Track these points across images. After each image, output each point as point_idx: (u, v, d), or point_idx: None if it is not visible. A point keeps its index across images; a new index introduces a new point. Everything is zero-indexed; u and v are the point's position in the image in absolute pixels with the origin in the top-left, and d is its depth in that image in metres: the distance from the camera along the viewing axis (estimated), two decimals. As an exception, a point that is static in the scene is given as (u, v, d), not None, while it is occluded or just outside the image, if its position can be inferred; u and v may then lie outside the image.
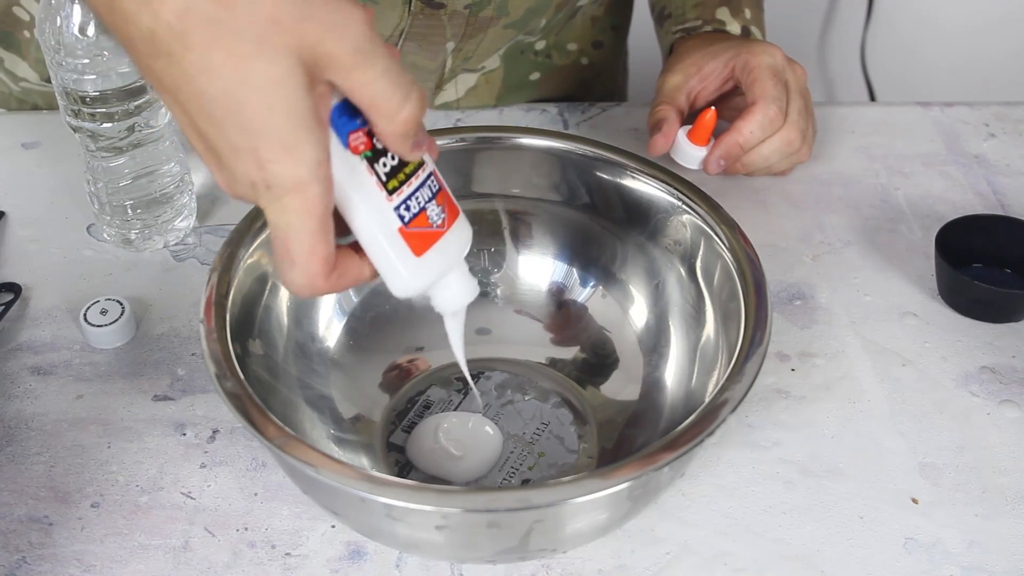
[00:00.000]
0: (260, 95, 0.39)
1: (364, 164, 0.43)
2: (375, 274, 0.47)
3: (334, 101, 0.42)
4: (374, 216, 0.44)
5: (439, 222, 0.47)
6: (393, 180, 0.44)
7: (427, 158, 0.47)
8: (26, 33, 0.83)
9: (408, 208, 0.45)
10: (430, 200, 0.46)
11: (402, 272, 0.46)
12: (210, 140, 0.41)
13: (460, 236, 0.48)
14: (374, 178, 0.44)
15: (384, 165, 0.44)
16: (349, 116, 0.42)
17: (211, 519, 0.56)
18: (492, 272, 0.67)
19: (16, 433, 0.60)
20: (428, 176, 0.46)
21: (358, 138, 0.43)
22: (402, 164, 0.45)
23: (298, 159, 0.40)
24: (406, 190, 0.45)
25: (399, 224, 0.45)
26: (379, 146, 0.44)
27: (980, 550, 0.56)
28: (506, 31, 0.81)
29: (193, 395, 0.63)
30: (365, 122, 0.43)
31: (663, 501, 0.57)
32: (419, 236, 0.46)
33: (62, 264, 0.72)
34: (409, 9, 0.75)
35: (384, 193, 0.44)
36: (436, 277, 0.48)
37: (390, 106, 0.41)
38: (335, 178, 0.43)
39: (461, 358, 0.55)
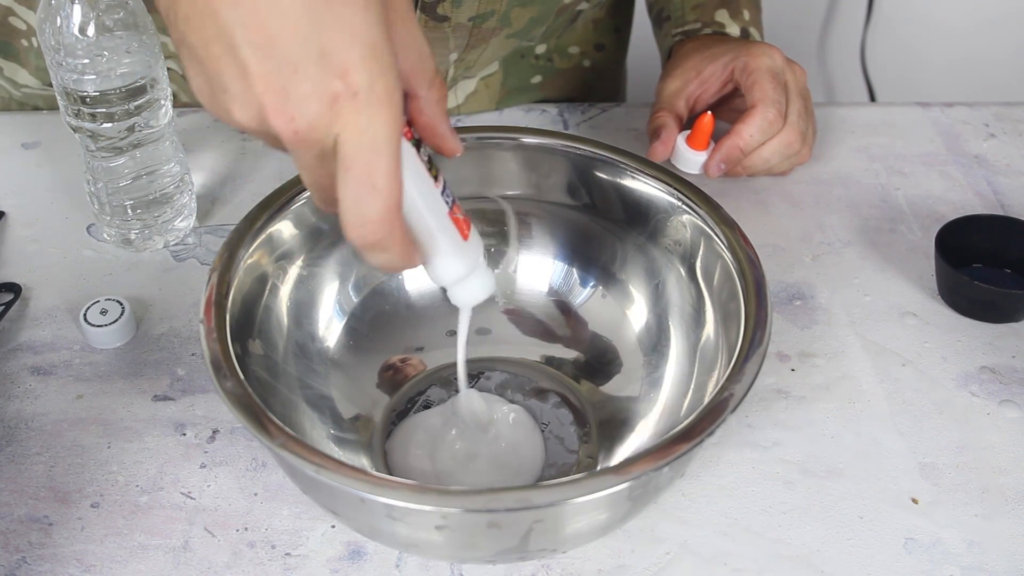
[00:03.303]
0: None
1: (413, 149, 0.44)
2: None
3: None
4: (427, 199, 0.45)
5: (464, 216, 0.48)
6: (433, 168, 0.46)
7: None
8: (24, 42, 0.83)
9: (448, 195, 0.46)
10: (454, 202, 0.48)
11: (452, 256, 0.47)
12: (275, 49, 0.38)
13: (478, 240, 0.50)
14: (423, 163, 0.45)
15: (425, 152, 0.45)
16: None
17: (211, 519, 0.56)
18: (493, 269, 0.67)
19: (16, 433, 0.60)
20: (444, 189, 0.48)
21: (404, 125, 0.44)
22: (432, 158, 0.46)
23: (385, 65, 0.39)
24: (442, 178, 0.46)
25: (447, 208, 0.46)
26: (418, 136, 0.45)
27: (980, 550, 0.56)
28: (508, 40, 0.81)
29: (193, 395, 0.63)
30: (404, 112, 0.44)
31: (663, 501, 0.58)
32: (461, 222, 0.47)
33: (62, 264, 0.72)
34: None
35: (431, 178, 0.45)
36: (475, 264, 0.49)
37: (429, 66, 0.42)
38: None
39: (462, 352, 0.56)
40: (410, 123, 0.45)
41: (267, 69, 0.39)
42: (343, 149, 0.40)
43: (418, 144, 0.45)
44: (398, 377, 0.64)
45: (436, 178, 0.46)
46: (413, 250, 0.44)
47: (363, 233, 0.41)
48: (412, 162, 0.44)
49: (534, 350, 0.65)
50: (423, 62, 0.43)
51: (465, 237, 0.47)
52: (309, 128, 0.39)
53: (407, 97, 0.44)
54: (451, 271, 0.48)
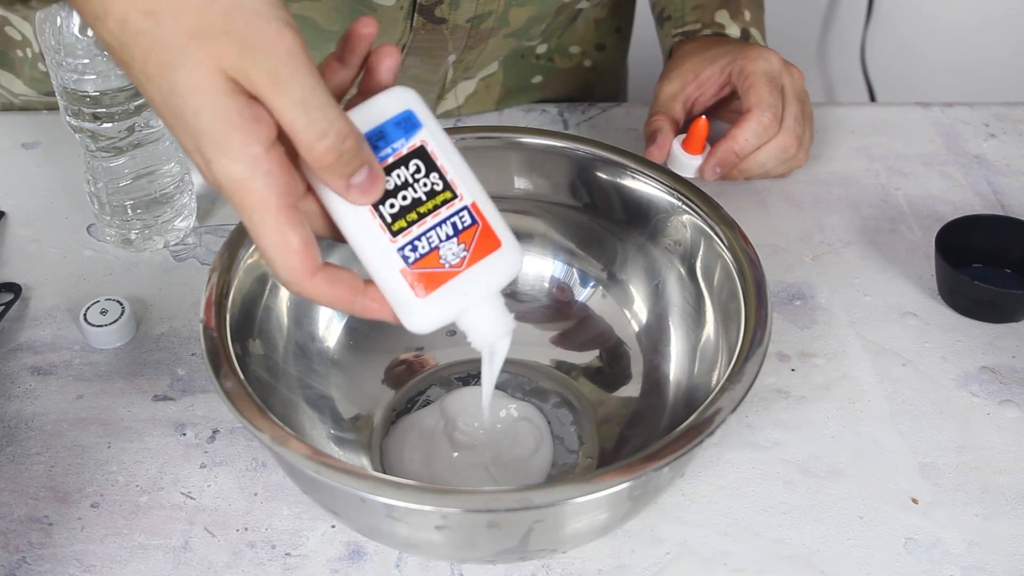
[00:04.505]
0: (187, 102, 0.40)
1: (365, 208, 0.44)
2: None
3: None
4: (375, 255, 0.45)
5: (455, 261, 0.46)
6: (401, 220, 0.44)
7: (466, 190, 0.46)
8: (19, 52, 0.82)
9: (415, 248, 0.45)
10: (449, 238, 0.45)
11: (406, 311, 0.46)
12: (176, 129, 0.42)
13: (490, 271, 0.47)
14: (377, 220, 0.44)
15: (392, 206, 0.44)
16: None
17: (211, 519, 0.56)
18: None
19: (16, 433, 0.60)
20: (457, 212, 0.46)
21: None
22: (416, 203, 0.45)
23: (232, 157, 0.40)
24: (416, 230, 0.45)
25: (401, 265, 0.45)
26: (389, 187, 0.44)
27: (980, 550, 0.56)
28: (507, 40, 0.80)
29: (193, 395, 0.63)
30: None
31: (663, 501, 0.58)
32: (425, 276, 0.45)
33: (62, 264, 0.72)
34: (411, 25, 0.75)
35: (387, 235, 0.44)
36: (448, 316, 0.46)
37: (305, 137, 0.41)
38: (341, 217, 0.43)
39: (487, 394, 0.53)
40: None
41: (182, 144, 0.42)
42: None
43: (383, 197, 0.44)
44: (407, 373, 0.64)
45: (401, 231, 0.44)
46: (351, 299, 0.45)
47: (286, 286, 0.43)
48: (364, 219, 0.44)
49: (534, 350, 0.65)
50: (298, 129, 0.41)
51: (423, 293, 0.45)
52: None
53: None
54: (407, 324, 0.46)
